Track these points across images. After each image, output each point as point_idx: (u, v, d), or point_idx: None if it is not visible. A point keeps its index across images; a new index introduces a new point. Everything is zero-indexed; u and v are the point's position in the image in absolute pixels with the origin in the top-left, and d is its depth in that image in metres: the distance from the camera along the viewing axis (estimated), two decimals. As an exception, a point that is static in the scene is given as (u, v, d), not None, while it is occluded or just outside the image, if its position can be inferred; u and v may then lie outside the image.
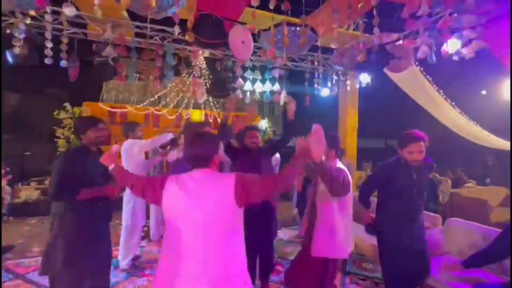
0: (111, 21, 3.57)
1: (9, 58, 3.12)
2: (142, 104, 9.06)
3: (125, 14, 3.63)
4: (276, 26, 2.44)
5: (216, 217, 1.21)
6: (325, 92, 4.89)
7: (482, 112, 6.25)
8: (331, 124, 6.49)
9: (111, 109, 8.90)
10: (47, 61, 2.93)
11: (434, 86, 5.04)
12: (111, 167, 1.45)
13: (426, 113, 5.95)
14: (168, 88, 7.92)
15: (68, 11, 2.22)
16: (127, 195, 3.12)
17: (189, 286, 1.18)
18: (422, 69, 4.87)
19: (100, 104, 8.86)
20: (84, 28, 3.79)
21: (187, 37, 2.27)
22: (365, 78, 4.67)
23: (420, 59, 3.07)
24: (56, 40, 3.12)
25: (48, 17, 2.91)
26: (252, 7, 2.38)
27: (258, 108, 12.32)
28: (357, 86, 4.89)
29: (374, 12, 2.48)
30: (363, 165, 11.59)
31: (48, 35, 2.94)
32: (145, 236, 4.13)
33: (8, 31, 3.07)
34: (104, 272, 2.04)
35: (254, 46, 2.81)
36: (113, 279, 2.91)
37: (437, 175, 6.28)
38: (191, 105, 8.68)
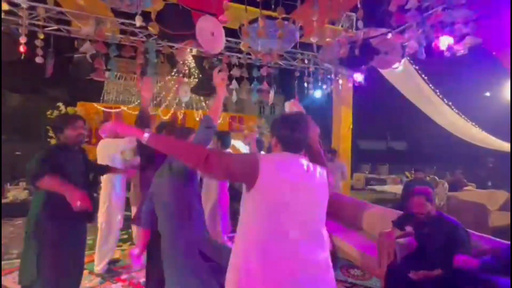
0: (94, 17, 3.49)
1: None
2: (133, 104, 8.99)
3: (109, 10, 3.54)
4: (253, 20, 2.32)
5: (319, 207, 1.19)
6: (317, 92, 4.76)
7: (481, 112, 6.07)
8: (324, 124, 6.34)
9: (106, 109, 8.83)
10: (37, 60, 2.84)
11: (430, 85, 4.88)
12: (146, 135, 1.13)
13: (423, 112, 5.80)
14: (159, 87, 7.84)
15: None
16: (103, 194, 3.00)
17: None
18: (417, 67, 4.72)
19: (95, 104, 8.80)
20: (68, 25, 3.71)
21: (150, 29, 2.16)
22: (358, 77, 4.53)
23: (410, 55, 2.93)
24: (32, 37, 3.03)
25: (23, 12, 2.81)
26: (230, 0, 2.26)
27: (258, 108, 12.24)
28: (350, 85, 4.75)
29: (358, 5, 2.35)
30: (362, 166, 11.43)
31: (23, 30, 2.85)
32: (128, 238, 4.02)
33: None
34: (76, 280, 1.95)
35: (235, 42, 2.68)
36: (87, 284, 2.80)
37: (436, 178, 6.11)
38: (183, 105, 8.51)
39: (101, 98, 9.41)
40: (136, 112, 8.03)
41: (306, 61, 4.50)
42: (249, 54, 4.09)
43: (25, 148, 7.96)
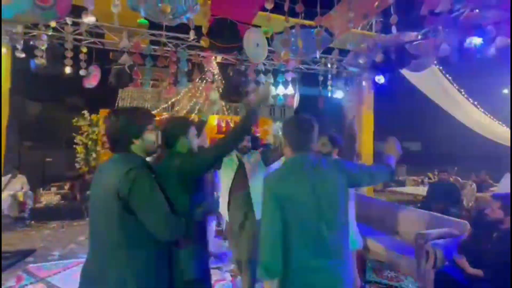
0: (127, 30, 3.68)
1: (33, 67, 3.27)
2: (156, 110, 9.25)
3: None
4: (290, 28, 2.41)
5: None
6: (339, 94, 4.80)
7: (507, 111, 5.93)
8: (345, 126, 6.35)
9: (127, 116, 9.13)
10: (68, 70, 3.04)
11: (455, 85, 4.84)
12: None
13: (447, 113, 5.72)
14: (181, 94, 8.07)
15: (88, 20, 2.29)
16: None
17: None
18: (441, 68, 4.70)
19: (116, 111, 9.11)
20: (101, 38, 3.92)
21: (202, 43, 2.29)
22: (380, 79, 4.55)
23: (442, 57, 2.95)
24: (75, 50, 3.23)
25: (68, 28, 3.01)
26: (266, 10, 2.36)
27: (269, 112, 12.32)
28: (372, 87, 4.77)
29: (392, 11, 2.41)
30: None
31: (68, 45, 3.05)
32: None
33: (31, 43, 3.21)
34: None
35: (267, 49, 2.79)
36: None
37: (460, 179, 5.99)
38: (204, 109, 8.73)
39: (116, 104, 9.67)
40: (157, 118, 8.27)
41: (328, 65, 4.56)
42: (273, 60, 4.19)
43: (54, 154, 8.34)
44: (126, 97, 9.99)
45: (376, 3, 2.37)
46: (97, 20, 3.38)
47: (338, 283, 1.14)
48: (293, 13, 2.66)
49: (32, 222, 5.35)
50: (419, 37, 2.87)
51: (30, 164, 7.04)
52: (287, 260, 1.10)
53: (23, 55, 2.98)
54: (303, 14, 2.60)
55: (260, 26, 2.35)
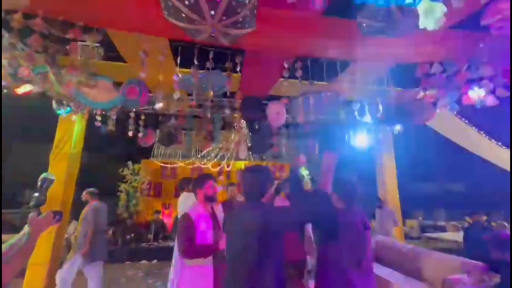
0: (168, 97, 4.60)
1: (103, 130, 4.20)
2: (188, 160, 10.08)
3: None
4: (303, 94, 3.00)
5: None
6: (358, 141, 5.15)
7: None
8: (369, 173, 6.48)
9: (163, 165, 10.13)
10: (130, 133, 3.88)
11: (473, 127, 4.98)
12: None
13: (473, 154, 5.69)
14: (205, 151, 8.96)
15: (158, 106, 3.09)
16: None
17: None
18: (455, 112, 4.93)
19: (154, 161, 10.17)
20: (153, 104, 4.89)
21: (236, 116, 2.95)
22: (397, 127, 4.87)
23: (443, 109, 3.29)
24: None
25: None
26: (284, 77, 2.97)
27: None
28: (390, 134, 5.07)
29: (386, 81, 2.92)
30: (414, 213, 10.63)
31: (132, 114, 3.95)
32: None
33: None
34: None
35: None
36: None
37: (505, 223, 5.59)
38: (233, 158, 9.47)
39: (152, 153, 10.68)
40: (190, 166, 8.97)
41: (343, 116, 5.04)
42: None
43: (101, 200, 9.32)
44: (161, 146, 11.18)
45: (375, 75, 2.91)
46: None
47: None
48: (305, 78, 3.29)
49: (80, 264, 5.90)
50: (421, 93, 3.28)
51: (80, 209, 7.96)
52: None
53: (99, 124, 3.91)
54: (313, 80, 3.20)
55: (280, 97, 3.00)
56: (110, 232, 7.33)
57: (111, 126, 3.98)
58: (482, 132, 5.16)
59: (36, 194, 1.63)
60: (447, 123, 4.97)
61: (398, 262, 3.68)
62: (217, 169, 9.73)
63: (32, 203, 1.60)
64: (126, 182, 8.87)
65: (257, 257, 1.39)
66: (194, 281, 1.95)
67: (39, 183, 1.69)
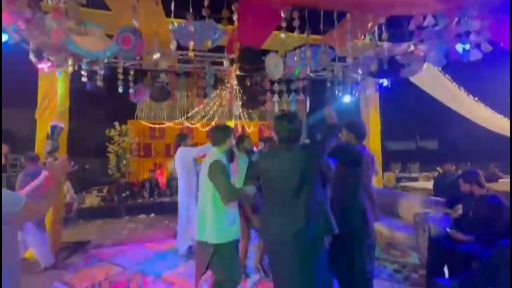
0: (162, 52, 4.40)
1: (89, 87, 4.05)
2: (177, 120, 9.97)
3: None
4: (299, 47, 3.00)
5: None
6: (346, 98, 5.31)
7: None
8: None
9: (151, 125, 10.00)
10: (120, 89, 3.77)
11: (454, 83, 5.23)
12: None
13: (452, 110, 6.07)
14: (197, 108, 8.82)
15: (156, 56, 2.97)
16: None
17: None
18: (440, 69, 5.11)
19: (142, 122, 9.99)
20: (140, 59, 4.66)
21: (234, 67, 2.91)
22: (384, 81, 5.02)
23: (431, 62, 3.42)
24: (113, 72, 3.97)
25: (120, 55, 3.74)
26: (281, 28, 2.91)
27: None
28: (376, 89, 5.24)
29: (383, 29, 2.94)
30: (392, 166, 11.51)
31: (120, 69, 3.79)
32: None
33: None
34: None
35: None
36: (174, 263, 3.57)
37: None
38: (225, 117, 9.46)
39: (135, 114, 10.41)
40: (179, 126, 9.03)
41: (335, 72, 5.09)
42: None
43: (90, 162, 9.29)
44: (144, 108, 10.89)
45: (370, 24, 2.92)
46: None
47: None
48: (301, 31, 3.25)
49: (80, 220, 6.16)
50: (411, 46, 3.37)
51: (74, 171, 7.94)
52: None
53: (86, 80, 3.74)
54: (309, 31, 3.18)
55: (277, 51, 2.97)
56: (106, 190, 7.52)
57: (99, 82, 3.83)
58: (462, 89, 5.46)
59: (49, 141, 1.69)
60: (431, 79, 5.18)
61: (378, 205, 4.17)
62: (207, 129, 9.76)
63: (46, 150, 1.67)
64: (114, 143, 8.77)
65: (301, 187, 1.66)
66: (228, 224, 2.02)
67: (49, 132, 1.74)
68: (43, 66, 3.67)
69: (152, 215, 6.54)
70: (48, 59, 3.71)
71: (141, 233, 5.15)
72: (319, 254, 1.63)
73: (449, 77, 5.17)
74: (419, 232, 2.98)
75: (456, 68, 5.22)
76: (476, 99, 5.41)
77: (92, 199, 6.79)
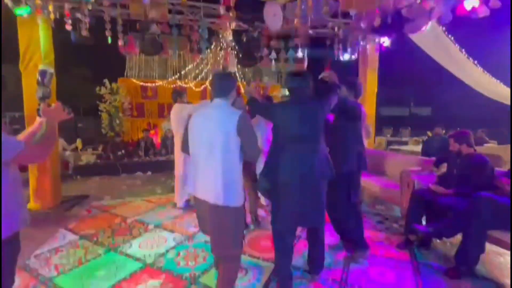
0: (150, 0, 4.05)
1: (74, 39, 3.79)
2: (170, 79, 9.63)
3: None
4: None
5: None
6: (345, 56, 5.15)
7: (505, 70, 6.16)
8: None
9: (143, 84, 9.67)
10: (109, 40, 3.54)
11: (456, 44, 5.09)
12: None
13: (448, 76, 6.00)
14: (190, 64, 8.43)
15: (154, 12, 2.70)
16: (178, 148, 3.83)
17: None
18: (444, 28, 4.91)
19: (134, 80, 9.62)
20: (126, 9, 4.30)
21: (231, 15, 2.70)
22: (385, 41, 4.84)
23: (437, 19, 3.28)
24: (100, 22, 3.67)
25: (105, 2, 3.44)
26: None
27: (277, 78, 12.56)
28: (377, 50, 5.07)
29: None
30: (384, 130, 11.73)
31: (106, 17, 3.51)
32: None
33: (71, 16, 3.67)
34: None
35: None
36: (171, 214, 3.77)
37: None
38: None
39: (125, 73, 9.96)
40: (171, 86, 8.82)
41: (336, 29, 4.85)
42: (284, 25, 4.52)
43: (83, 120, 9.14)
44: (134, 67, 10.41)
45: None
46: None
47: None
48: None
49: (78, 177, 6.28)
50: (418, 0, 3.18)
51: (66, 129, 7.85)
52: None
53: (70, 28, 3.47)
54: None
55: (276, -1, 2.76)
56: (100, 148, 7.54)
57: (84, 32, 3.57)
58: (463, 51, 5.32)
59: (40, 87, 1.64)
60: (433, 39, 5.00)
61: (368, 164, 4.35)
62: (200, 88, 9.53)
63: (38, 96, 1.62)
64: (106, 101, 8.54)
65: (313, 135, 1.95)
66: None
67: (39, 78, 1.67)
68: (21, 12, 3.38)
69: (149, 173, 6.70)
70: (26, 3, 3.41)
71: (140, 188, 5.33)
72: (323, 188, 2.01)
73: (452, 38, 5.00)
74: (404, 187, 3.18)
75: (459, 30, 5.04)
76: (476, 62, 5.32)
77: (88, 156, 6.84)
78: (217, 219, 1.66)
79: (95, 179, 6.16)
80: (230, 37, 4.90)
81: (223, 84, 1.73)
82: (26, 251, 2.70)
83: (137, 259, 2.56)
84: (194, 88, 9.58)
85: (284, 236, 2.00)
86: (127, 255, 2.64)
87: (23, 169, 4.69)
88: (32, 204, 3.96)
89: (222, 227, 1.67)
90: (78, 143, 7.27)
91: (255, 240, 2.91)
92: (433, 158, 3.34)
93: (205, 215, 1.71)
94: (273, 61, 4.47)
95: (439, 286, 2.14)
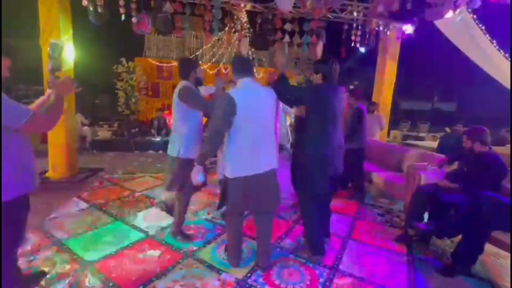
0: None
1: (93, 20, 3.84)
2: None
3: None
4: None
5: None
6: (362, 48, 4.92)
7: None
8: (368, 77, 6.46)
9: (159, 64, 9.77)
10: (123, 17, 3.57)
11: (487, 35, 4.72)
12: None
13: (479, 71, 5.60)
14: (205, 46, 8.36)
15: None
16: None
17: None
18: (475, 17, 4.56)
19: (150, 60, 9.73)
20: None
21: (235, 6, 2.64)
22: (408, 29, 4.57)
23: (466, 4, 3.05)
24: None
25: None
26: None
27: (294, 64, 12.26)
28: (398, 39, 4.81)
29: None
30: (401, 125, 11.30)
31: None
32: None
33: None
34: None
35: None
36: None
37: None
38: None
39: (143, 53, 10.11)
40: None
41: (355, 13, 4.62)
42: (300, 8, 4.35)
43: (100, 97, 9.45)
44: (153, 47, 10.48)
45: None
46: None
47: None
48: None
49: (94, 151, 6.60)
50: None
51: (84, 105, 8.16)
52: None
53: (86, 3, 3.53)
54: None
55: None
56: (116, 125, 7.82)
57: (100, 9, 3.62)
58: (494, 43, 4.93)
59: (51, 60, 1.71)
60: (460, 27, 4.65)
61: (380, 158, 4.24)
62: (215, 71, 9.50)
63: (49, 68, 1.70)
64: (122, 80, 8.73)
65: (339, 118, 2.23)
66: None
67: (50, 52, 1.74)
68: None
69: (160, 151, 6.91)
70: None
71: (150, 165, 5.53)
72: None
73: (483, 28, 4.64)
74: (409, 182, 3.10)
75: (492, 20, 4.65)
76: (507, 55, 4.94)
77: (104, 133, 7.13)
78: (275, 181, 2.05)
79: (110, 154, 6.45)
80: (245, 19, 4.79)
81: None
82: (43, 214, 2.93)
83: (141, 230, 2.71)
84: (208, 70, 9.57)
85: (319, 199, 2.30)
86: (132, 225, 2.80)
87: (44, 141, 5.01)
88: (50, 173, 4.24)
89: (278, 187, 2.06)
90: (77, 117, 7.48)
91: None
92: (444, 156, 3.21)
93: (259, 187, 1.95)
94: (286, 45, 4.36)
95: (431, 281, 2.13)
